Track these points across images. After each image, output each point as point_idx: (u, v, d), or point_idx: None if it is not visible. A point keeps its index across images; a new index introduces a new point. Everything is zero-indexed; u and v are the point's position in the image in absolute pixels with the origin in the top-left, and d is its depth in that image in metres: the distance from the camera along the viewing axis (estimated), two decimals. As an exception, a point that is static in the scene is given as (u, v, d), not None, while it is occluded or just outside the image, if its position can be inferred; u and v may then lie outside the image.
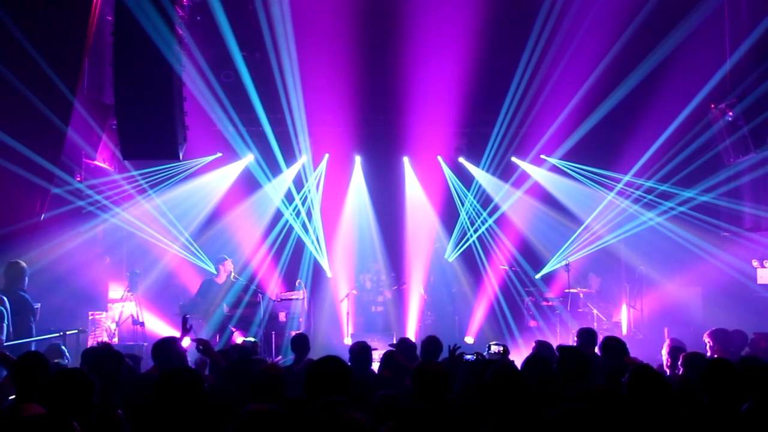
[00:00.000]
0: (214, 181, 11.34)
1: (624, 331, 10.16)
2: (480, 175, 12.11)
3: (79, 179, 8.66)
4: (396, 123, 11.61)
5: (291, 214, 11.86)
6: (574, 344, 5.95)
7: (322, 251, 11.96)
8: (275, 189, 11.73)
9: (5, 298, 6.32)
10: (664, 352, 5.81)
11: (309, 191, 12.04)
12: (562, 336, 9.84)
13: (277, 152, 11.52)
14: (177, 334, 8.87)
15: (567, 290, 10.30)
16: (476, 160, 12.10)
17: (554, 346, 5.57)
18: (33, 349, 6.67)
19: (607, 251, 11.12)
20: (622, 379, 3.64)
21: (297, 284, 10.65)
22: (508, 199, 11.87)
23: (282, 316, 9.88)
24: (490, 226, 12.07)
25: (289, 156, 11.75)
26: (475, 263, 12.06)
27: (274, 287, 10.89)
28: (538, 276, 11.43)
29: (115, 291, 9.46)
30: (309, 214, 11.96)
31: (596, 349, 5.68)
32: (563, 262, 10.55)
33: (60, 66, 7.12)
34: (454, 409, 3.86)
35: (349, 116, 11.33)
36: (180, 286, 10.67)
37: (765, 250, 9.22)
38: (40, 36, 6.98)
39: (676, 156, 10.11)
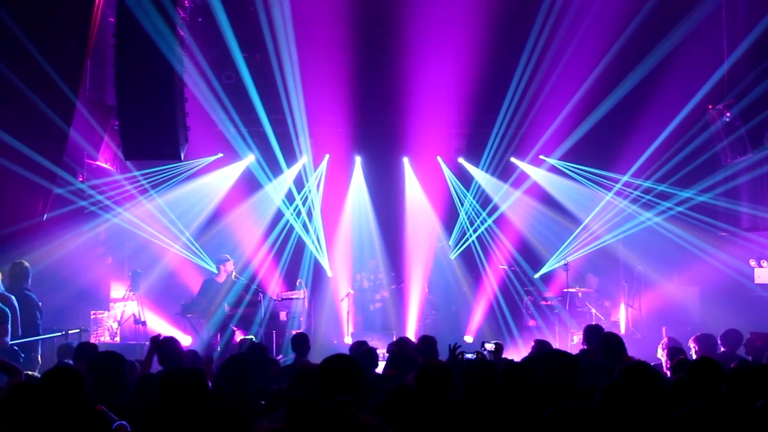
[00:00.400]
0: (216, 181, 11.38)
1: (622, 330, 10.20)
2: (479, 175, 12.17)
3: (81, 179, 8.71)
4: (396, 124, 11.66)
5: (291, 214, 11.91)
6: (579, 342, 5.89)
7: (322, 251, 12.01)
8: (276, 189, 11.77)
9: (13, 297, 6.39)
10: (661, 352, 5.83)
11: (309, 191, 12.09)
12: (561, 335, 9.90)
13: (277, 153, 11.57)
14: (178, 333, 9.02)
15: (566, 290, 10.35)
16: (476, 161, 12.16)
17: (553, 345, 5.58)
18: (39, 347, 6.76)
19: (605, 251, 11.16)
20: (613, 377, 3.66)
21: (297, 284, 10.70)
22: (508, 199, 11.92)
23: (283, 316, 9.93)
24: (489, 226, 12.12)
25: (290, 156, 11.79)
26: (475, 263, 12.12)
27: (274, 287, 10.92)
28: (537, 276, 11.47)
29: (117, 290, 9.51)
30: (309, 214, 12.00)
31: None
32: (562, 262, 10.60)
33: (62, 67, 7.17)
34: (457, 409, 3.88)
35: (350, 117, 11.38)
36: (181, 286, 10.71)
37: (762, 250, 9.28)
38: (42, 37, 7.04)
39: (674, 156, 10.16)
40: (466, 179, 12.36)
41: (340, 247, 12.13)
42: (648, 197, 10.71)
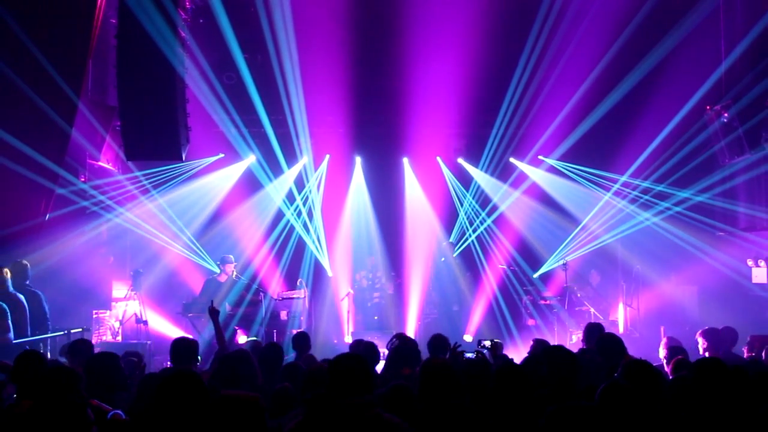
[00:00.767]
0: (217, 181, 11.43)
1: (621, 329, 10.25)
2: (479, 175, 12.22)
3: (83, 180, 8.74)
4: (396, 124, 11.70)
5: (292, 214, 11.95)
6: (578, 341, 5.92)
7: (322, 251, 12.05)
8: (276, 189, 11.82)
9: (21, 295, 6.46)
10: (663, 352, 5.86)
11: (310, 191, 12.13)
12: (560, 334, 9.95)
13: (278, 153, 11.61)
14: (180, 333, 9.06)
15: (565, 285, 10.40)
16: (475, 161, 12.21)
17: (552, 344, 5.59)
18: (47, 345, 6.83)
19: (604, 251, 11.21)
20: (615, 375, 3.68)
21: (298, 283, 10.73)
22: (507, 199, 11.97)
23: (283, 315, 9.96)
24: (488, 225, 12.18)
25: (291, 157, 11.84)
26: (474, 262, 12.16)
27: (275, 286, 10.96)
28: (536, 275, 11.52)
29: (119, 290, 9.55)
30: (310, 214, 12.05)
31: None
32: (561, 262, 10.65)
33: (64, 68, 7.19)
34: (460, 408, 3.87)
35: (350, 117, 11.43)
36: (183, 285, 10.73)
37: (760, 250, 9.33)
38: (44, 38, 7.06)
39: (672, 157, 10.20)
40: (465, 179, 12.41)
41: (341, 247, 12.17)
42: (646, 197, 10.76)
